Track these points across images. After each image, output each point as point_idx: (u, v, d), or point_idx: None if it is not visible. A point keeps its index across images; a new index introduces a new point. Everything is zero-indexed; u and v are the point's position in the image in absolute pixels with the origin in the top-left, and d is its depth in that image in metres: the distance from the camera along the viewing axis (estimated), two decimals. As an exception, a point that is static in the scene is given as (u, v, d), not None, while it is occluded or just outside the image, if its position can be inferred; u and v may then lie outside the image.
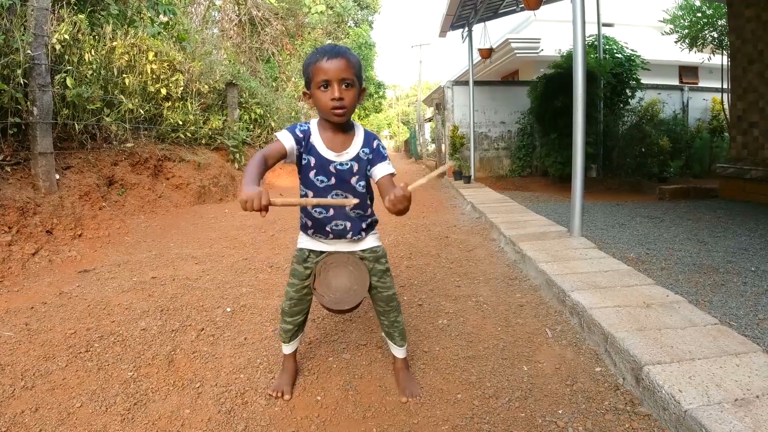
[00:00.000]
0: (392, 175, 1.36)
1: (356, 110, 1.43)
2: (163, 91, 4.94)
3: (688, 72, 11.79)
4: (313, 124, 1.37)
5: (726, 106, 7.19)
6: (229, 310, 2.13)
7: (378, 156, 1.37)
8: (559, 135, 6.38)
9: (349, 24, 15.77)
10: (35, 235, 2.86)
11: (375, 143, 1.39)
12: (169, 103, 5.17)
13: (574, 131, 3.04)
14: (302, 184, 1.40)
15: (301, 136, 1.33)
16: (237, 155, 6.43)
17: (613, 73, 6.86)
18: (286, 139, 1.31)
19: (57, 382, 1.52)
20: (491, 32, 7.77)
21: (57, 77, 3.55)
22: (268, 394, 1.48)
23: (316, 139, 1.35)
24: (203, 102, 6.13)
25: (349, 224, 1.39)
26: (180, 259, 2.94)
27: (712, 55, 8.31)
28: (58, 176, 3.37)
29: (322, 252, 1.43)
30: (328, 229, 1.39)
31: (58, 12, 3.64)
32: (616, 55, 7.18)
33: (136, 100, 4.49)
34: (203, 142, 5.93)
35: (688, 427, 1.18)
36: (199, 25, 8.76)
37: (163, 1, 5.18)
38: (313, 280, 1.37)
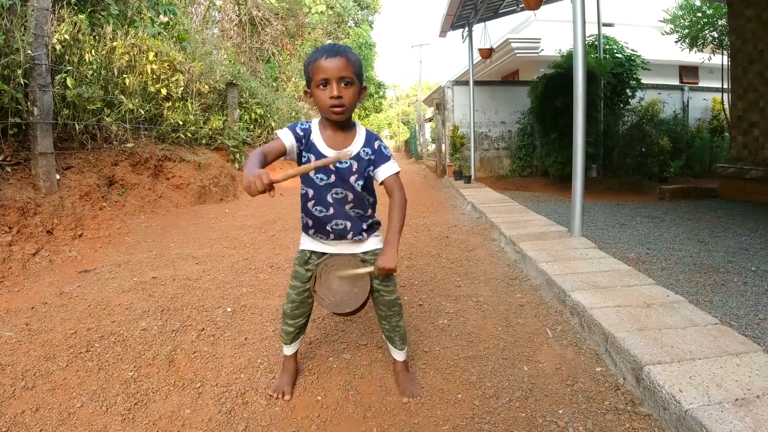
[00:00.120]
0: (397, 174, 1.38)
1: (356, 110, 1.44)
2: (164, 91, 4.95)
3: (689, 72, 11.79)
4: (314, 123, 1.38)
5: (726, 105, 7.19)
6: (229, 310, 2.13)
7: (381, 156, 1.38)
8: (559, 135, 6.38)
9: (349, 24, 15.78)
10: (36, 236, 2.86)
11: (377, 144, 1.39)
12: (170, 103, 5.17)
13: (574, 131, 3.04)
14: (302, 182, 1.40)
15: (302, 134, 1.34)
16: (237, 155, 6.43)
17: (613, 73, 6.86)
18: (286, 137, 1.31)
19: (57, 382, 1.52)
20: (491, 32, 7.78)
21: (57, 77, 3.55)
22: (269, 395, 1.48)
23: (317, 138, 1.35)
24: (203, 102, 6.13)
25: (349, 224, 1.38)
26: (180, 259, 2.94)
27: (712, 55, 8.31)
28: (58, 176, 3.37)
29: (323, 254, 1.43)
30: (328, 228, 1.38)
31: (59, 12, 3.64)
32: (617, 55, 7.18)
33: (137, 100, 4.49)
34: (203, 142, 5.93)
35: (688, 427, 1.18)
36: (199, 25, 8.76)
37: (163, 1, 5.18)
38: (314, 282, 1.36)
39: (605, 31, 7.46)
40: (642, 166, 6.85)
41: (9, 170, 3.13)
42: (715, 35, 7.83)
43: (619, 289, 2.08)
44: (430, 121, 17.00)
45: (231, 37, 10.53)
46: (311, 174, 1.36)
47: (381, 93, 20.77)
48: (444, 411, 1.40)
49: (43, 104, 3.22)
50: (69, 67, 3.65)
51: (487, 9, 7.10)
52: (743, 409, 1.18)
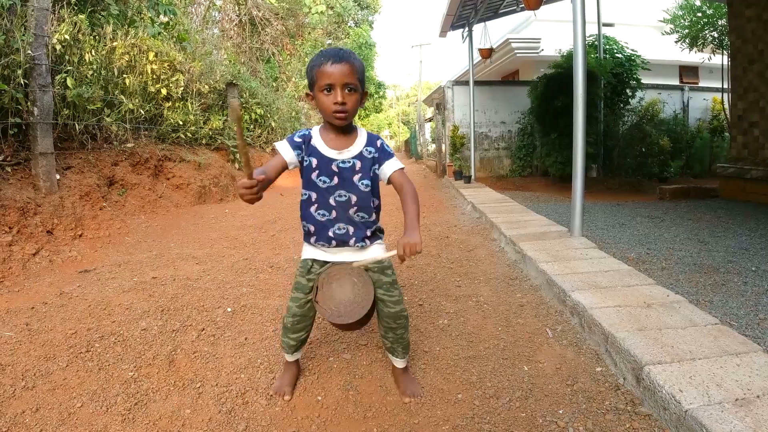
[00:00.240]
0: (402, 169, 1.37)
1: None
2: (164, 92, 4.95)
3: (689, 72, 11.79)
4: (315, 129, 1.39)
5: (726, 105, 7.19)
6: (229, 310, 2.13)
7: (384, 154, 1.38)
8: (559, 135, 6.38)
9: (349, 24, 15.78)
10: (36, 236, 2.86)
11: (379, 142, 1.39)
12: (170, 104, 5.18)
13: (574, 131, 3.04)
14: (304, 187, 1.39)
15: (300, 140, 1.35)
16: (237, 155, 6.43)
17: (613, 72, 6.86)
18: (285, 151, 1.33)
19: (58, 382, 1.52)
20: (491, 32, 7.78)
21: (57, 77, 3.55)
22: (269, 395, 1.48)
23: (318, 141, 1.36)
24: (203, 102, 6.13)
25: (351, 228, 1.36)
26: (180, 259, 2.94)
27: (712, 55, 8.31)
28: (58, 176, 3.37)
29: (326, 262, 1.40)
30: (330, 234, 1.36)
31: (59, 12, 3.65)
32: (617, 54, 7.18)
33: (137, 101, 4.49)
34: (203, 142, 5.94)
35: (688, 427, 1.18)
36: (199, 25, 8.76)
37: (163, 1, 5.18)
38: (315, 292, 1.33)
39: (605, 31, 7.46)
40: (642, 166, 6.85)
41: (9, 170, 3.13)
42: (715, 35, 7.83)
43: (619, 289, 2.08)
44: (430, 121, 17.01)
45: (231, 37, 10.53)
46: (313, 177, 1.35)
47: (381, 93, 20.78)
48: (444, 411, 1.40)
49: (43, 104, 3.22)
50: (69, 67, 3.65)
51: (487, 9, 7.10)
52: (743, 409, 1.18)
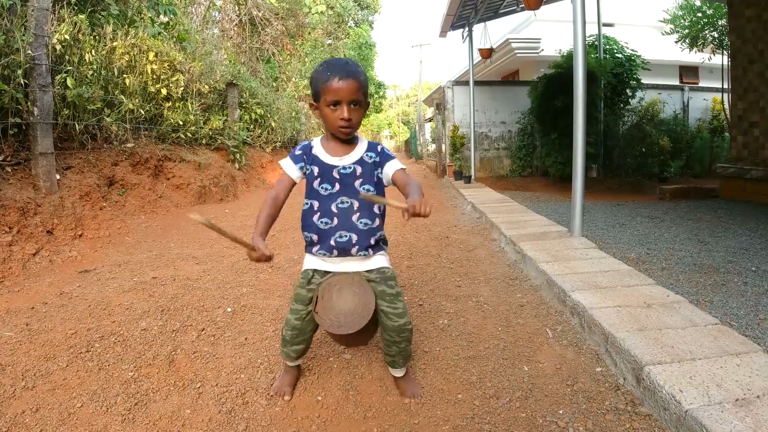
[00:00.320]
0: (403, 169, 1.38)
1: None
2: (164, 92, 4.95)
3: (689, 72, 11.79)
4: (316, 140, 1.42)
5: (726, 105, 7.19)
6: (229, 310, 2.13)
7: (385, 156, 1.39)
8: (559, 135, 6.38)
9: (349, 24, 15.79)
10: (36, 236, 2.86)
11: (379, 147, 1.42)
12: (170, 104, 5.17)
13: (574, 131, 3.04)
14: (306, 197, 1.40)
15: (302, 153, 1.39)
16: (237, 155, 6.43)
17: (613, 73, 6.86)
18: (290, 169, 1.37)
19: (58, 383, 1.52)
20: (491, 32, 7.78)
21: (57, 77, 3.55)
22: (270, 395, 1.48)
23: (319, 150, 1.39)
24: (204, 102, 6.13)
25: (354, 236, 1.34)
26: (180, 259, 2.94)
27: (712, 55, 8.31)
28: (58, 176, 3.37)
29: (327, 273, 1.38)
30: (332, 242, 1.34)
31: (59, 12, 3.64)
32: (617, 55, 7.18)
33: (137, 101, 4.49)
34: (204, 142, 5.93)
35: (688, 427, 1.18)
36: (199, 25, 8.76)
37: (163, 1, 5.18)
38: (315, 303, 1.31)
39: (605, 31, 7.46)
40: (642, 166, 6.85)
41: (9, 170, 3.13)
42: (715, 35, 7.83)
43: (619, 289, 2.08)
44: (430, 121, 17.01)
45: (231, 37, 10.53)
46: (315, 185, 1.37)
47: (381, 93, 20.78)
48: (444, 411, 1.40)
49: (43, 104, 3.22)
50: (69, 67, 3.65)
51: (487, 9, 7.10)
52: (743, 409, 1.18)
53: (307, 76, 11.11)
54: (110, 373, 1.59)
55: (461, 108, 8.39)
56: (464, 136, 8.03)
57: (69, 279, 2.52)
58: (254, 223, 1.33)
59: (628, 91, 7.25)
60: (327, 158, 1.37)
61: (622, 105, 7.34)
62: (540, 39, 9.63)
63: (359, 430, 1.33)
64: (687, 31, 8.15)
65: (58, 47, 3.51)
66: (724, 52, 7.42)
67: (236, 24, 10.78)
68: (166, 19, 5.54)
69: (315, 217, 1.36)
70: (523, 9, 6.86)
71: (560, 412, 1.38)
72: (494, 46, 8.33)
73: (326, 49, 13.94)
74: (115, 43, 4.18)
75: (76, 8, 3.89)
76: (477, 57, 7.83)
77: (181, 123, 5.23)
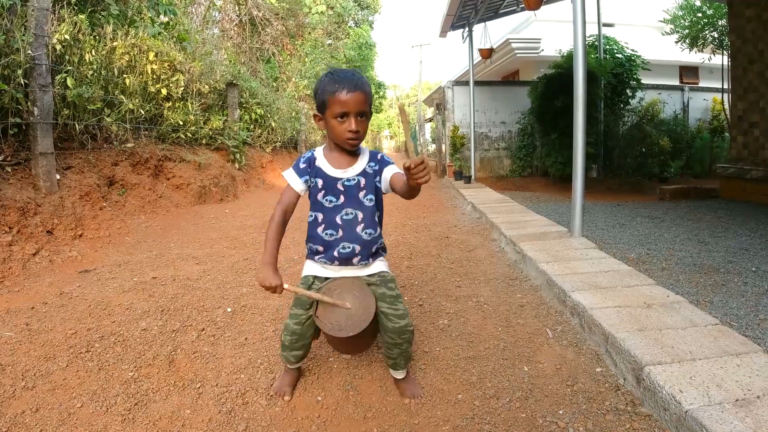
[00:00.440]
0: (400, 172, 1.38)
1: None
2: (164, 92, 4.95)
3: (689, 72, 11.79)
4: (318, 150, 1.42)
5: (726, 106, 7.19)
6: (229, 310, 2.13)
7: (383, 163, 1.41)
8: (559, 135, 6.38)
9: (349, 24, 15.78)
10: (36, 236, 2.86)
11: (379, 156, 1.43)
12: (170, 104, 5.17)
13: (574, 131, 3.04)
14: (310, 209, 1.41)
15: (305, 165, 1.39)
16: (237, 155, 6.43)
17: (613, 73, 6.86)
18: (295, 182, 1.37)
19: (58, 383, 1.52)
20: (492, 32, 7.78)
21: (57, 77, 3.55)
22: (269, 395, 1.48)
23: (322, 162, 1.39)
24: (204, 102, 6.13)
25: (358, 247, 1.37)
26: (180, 259, 2.94)
27: (712, 55, 8.31)
28: (58, 176, 3.37)
29: (326, 278, 1.40)
30: (335, 253, 1.37)
31: (59, 12, 3.64)
32: (617, 55, 7.18)
33: (137, 101, 4.49)
34: (204, 142, 5.93)
35: (688, 428, 1.18)
36: (199, 25, 8.76)
37: (163, 1, 5.18)
38: (316, 307, 1.32)
39: (605, 31, 7.46)
40: (642, 167, 6.85)
41: (9, 170, 3.13)
42: (716, 35, 7.83)
43: (619, 290, 2.08)
44: (430, 121, 17.01)
45: (231, 37, 10.53)
46: (319, 197, 1.37)
47: (381, 93, 20.79)
48: (444, 411, 1.40)
49: (44, 104, 3.22)
50: (69, 67, 3.65)
51: (487, 9, 7.10)
52: (744, 409, 1.18)
53: (308, 76, 11.10)
54: (110, 373, 1.59)
55: (461, 108, 8.39)
56: (464, 136, 8.03)
57: (69, 279, 2.52)
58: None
59: (628, 91, 7.25)
60: (331, 171, 1.37)
61: (622, 105, 7.34)
62: (540, 39, 9.63)
63: (359, 430, 1.33)
64: (687, 31, 8.16)
65: (58, 47, 3.51)
66: (724, 52, 7.42)
67: (236, 24, 10.78)
68: (166, 19, 5.55)
69: (320, 229, 1.38)
70: (523, 9, 6.86)
71: (560, 412, 1.38)
72: (494, 46, 8.32)
73: (326, 49, 13.94)
74: (115, 43, 4.18)
75: (76, 8, 3.89)
76: (477, 57, 7.83)
77: (181, 123, 5.23)
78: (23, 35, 3.09)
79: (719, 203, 4.87)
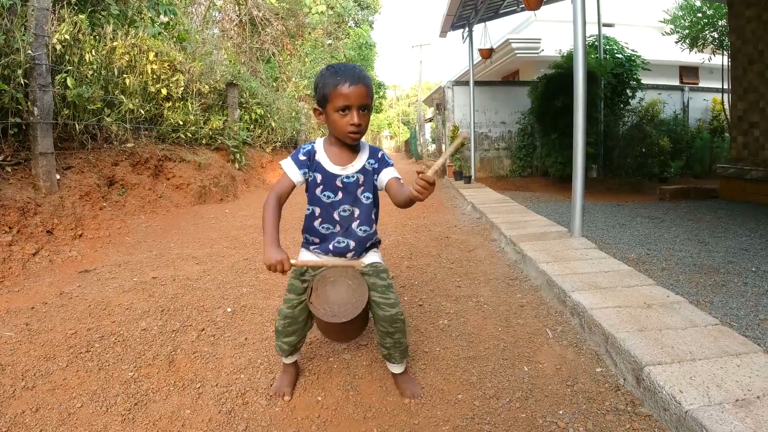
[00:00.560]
0: (398, 179, 1.38)
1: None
2: (164, 92, 4.95)
3: (689, 72, 11.79)
4: (319, 143, 1.40)
5: (726, 106, 7.19)
6: (229, 310, 2.13)
7: (383, 163, 1.40)
8: (559, 135, 6.38)
9: (349, 24, 15.78)
10: (36, 236, 2.86)
11: (380, 154, 1.42)
12: (170, 104, 5.17)
13: (574, 131, 3.04)
14: (308, 202, 1.41)
15: (305, 158, 1.36)
16: (237, 155, 6.43)
17: (613, 73, 6.86)
18: (292, 172, 1.35)
19: (57, 383, 1.52)
20: (492, 32, 7.78)
21: (57, 77, 3.55)
22: (269, 395, 1.48)
23: (322, 157, 1.37)
24: (204, 102, 6.13)
25: (352, 243, 1.39)
26: (180, 259, 2.94)
27: (712, 56, 8.31)
28: (58, 176, 3.37)
29: (320, 266, 1.40)
30: (330, 246, 1.39)
31: (59, 12, 3.64)
32: (617, 55, 7.18)
33: (137, 101, 4.49)
34: (204, 142, 5.93)
35: (688, 428, 1.18)
36: (199, 25, 8.76)
37: (163, 1, 5.18)
38: (309, 294, 1.33)
39: (605, 31, 7.46)
40: (642, 167, 6.85)
41: (9, 170, 3.13)
42: (716, 36, 7.83)
43: (619, 290, 2.08)
44: (430, 121, 17.02)
45: (231, 37, 10.53)
46: (318, 192, 1.37)
47: (381, 93, 20.79)
48: (444, 411, 1.40)
49: (44, 104, 3.22)
50: (69, 67, 3.65)
51: (487, 9, 7.10)
52: (744, 409, 1.18)
53: (308, 76, 11.10)
54: (110, 373, 1.59)
55: (461, 108, 8.39)
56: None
57: (69, 279, 2.52)
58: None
59: (628, 91, 7.25)
60: (330, 167, 1.36)
61: (622, 105, 7.34)
62: (540, 39, 9.63)
63: (359, 430, 1.33)
64: (687, 31, 8.16)
65: (58, 47, 3.51)
66: (724, 52, 7.42)
67: (236, 24, 10.78)
68: (166, 19, 5.55)
69: (317, 223, 1.39)
70: (523, 9, 6.86)
71: (560, 412, 1.38)
72: (494, 47, 8.33)
73: (326, 49, 13.94)
74: (115, 43, 4.18)
75: (76, 8, 3.89)
76: (477, 57, 7.83)
77: (181, 123, 5.23)
78: (23, 35, 3.09)
79: (719, 203, 4.87)
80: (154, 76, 4.78)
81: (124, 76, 4.35)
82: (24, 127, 3.26)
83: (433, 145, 13.49)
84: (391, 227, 3.94)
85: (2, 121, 3.08)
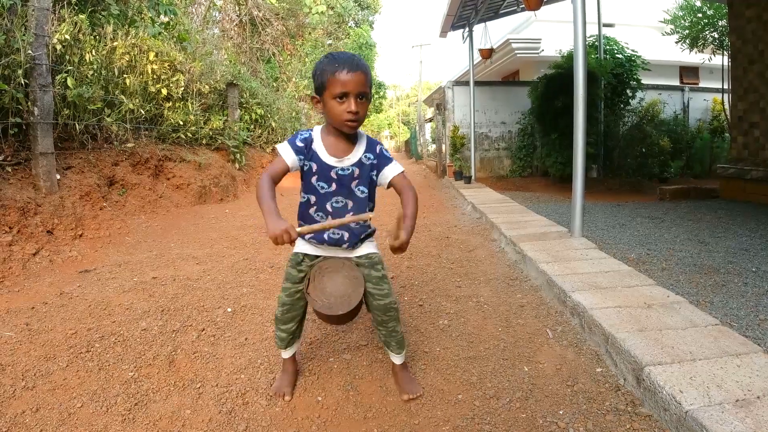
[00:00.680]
0: (403, 173, 1.38)
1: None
2: (164, 92, 4.94)
3: (689, 72, 11.79)
4: (316, 131, 1.38)
5: (727, 106, 7.18)
6: (229, 310, 2.13)
7: (384, 159, 1.39)
8: (559, 135, 6.38)
9: (349, 24, 15.79)
10: (36, 236, 2.86)
11: (378, 148, 1.40)
12: (170, 104, 5.17)
13: (574, 131, 3.04)
14: (303, 190, 1.40)
15: (302, 145, 1.35)
16: (238, 155, 6.43)
17: (613, 73, 6.86)
18: (287, 155, 1.33)
19: (58, 383, 1.52)
20: (492, 32, 7.78)
21: (58, 77, 3.55)
22: (269, 395, 1.48)
23: (318, 146, 1.36)
24: (204, 102, 6.13)
25: (346, 234, 1.38)
26: (181, 259, 2.94)
27: (712, 56, 8.31)
28: (58, 176, 3.37)
29: (317, 256, 1.42)
30: (325, 236, 1.39)
31: (59, 12, 3.64)
32: (617, 55, 7.18)
33: (137, 101, 4.49)
34: (204, 142, 5.93)
35: (689, 428, 1.18)
36: (199, 25, 8.76)
37: (163, 1, 5.18)
38: (307, 284, 1.35)
39: (605, 31, 7.46)
40: (642, 167, 6.85)
41: (9, 170, 3.13)
42: (716, 36, 7.83)
43: (619, 290, 2.08)
44: (430, 121, 17.01)
45: (231, 38, 10.53)
46: (313, 181, 1.36)
47: (381, 93, 20.80)
48: (444, 411, 1.40)
49: (44, 104, 3.22)
50: (69, 67, 3.65)
51: (487, 9, 7.10)
52: (744, 410, 1.18)
53: (308, 76, 11.09)
54: (110, 373, 1.59)
55: (461, 108, 8.39)
56: (464, 136, 8.03)
57: (69, 279, 2.52)
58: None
59: (628, 91, 7.25)
60: (326, 158, 1.35)
61: (622, 105, 7.34)
62: (540, 39, 9.63)
63: (359, 430, 1.33)
64: (687, 31, 8.15)
65: (59, 47, 3.52)
66: (725, 52, 7.42)
67: (236, 24, 10.78)
68: (166, 19, 5.55)
69: (311, 210, 1.39)
70: (523, 9, 6.85)
71: (560, 412, 1.38)
72: (494, 47, 8.32)
73: (326, 49, 13.94)
74: (115, 43, 4.18)
75: (76, 8, 3.90)
76: (477, 57, 7.83)
77: (181, 123, 5.23)
78: (23, 35, 3.09)
79: (719, 203, 4.87)
80: (155, 76, 4.78)
81: (125, 76, 4.35)
82: (24, 127, 3.26)
83: (433, 145, 13.49)
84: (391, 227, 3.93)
85: (2, 121, 3.08)
